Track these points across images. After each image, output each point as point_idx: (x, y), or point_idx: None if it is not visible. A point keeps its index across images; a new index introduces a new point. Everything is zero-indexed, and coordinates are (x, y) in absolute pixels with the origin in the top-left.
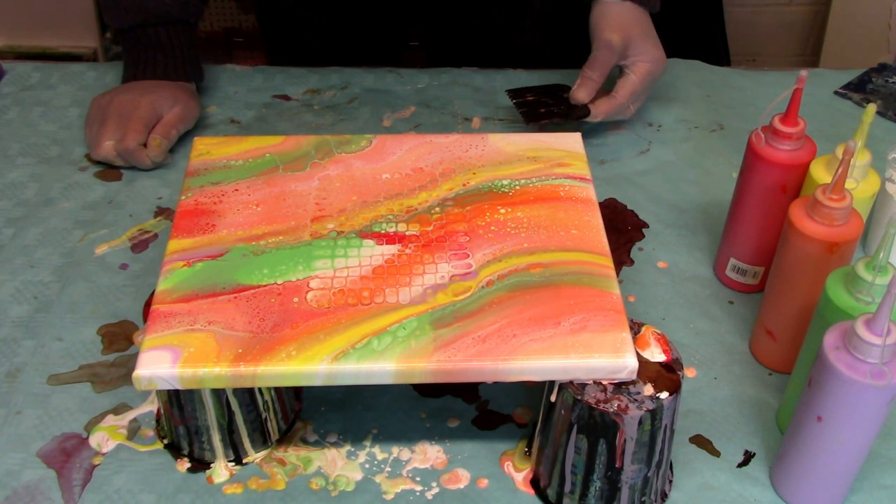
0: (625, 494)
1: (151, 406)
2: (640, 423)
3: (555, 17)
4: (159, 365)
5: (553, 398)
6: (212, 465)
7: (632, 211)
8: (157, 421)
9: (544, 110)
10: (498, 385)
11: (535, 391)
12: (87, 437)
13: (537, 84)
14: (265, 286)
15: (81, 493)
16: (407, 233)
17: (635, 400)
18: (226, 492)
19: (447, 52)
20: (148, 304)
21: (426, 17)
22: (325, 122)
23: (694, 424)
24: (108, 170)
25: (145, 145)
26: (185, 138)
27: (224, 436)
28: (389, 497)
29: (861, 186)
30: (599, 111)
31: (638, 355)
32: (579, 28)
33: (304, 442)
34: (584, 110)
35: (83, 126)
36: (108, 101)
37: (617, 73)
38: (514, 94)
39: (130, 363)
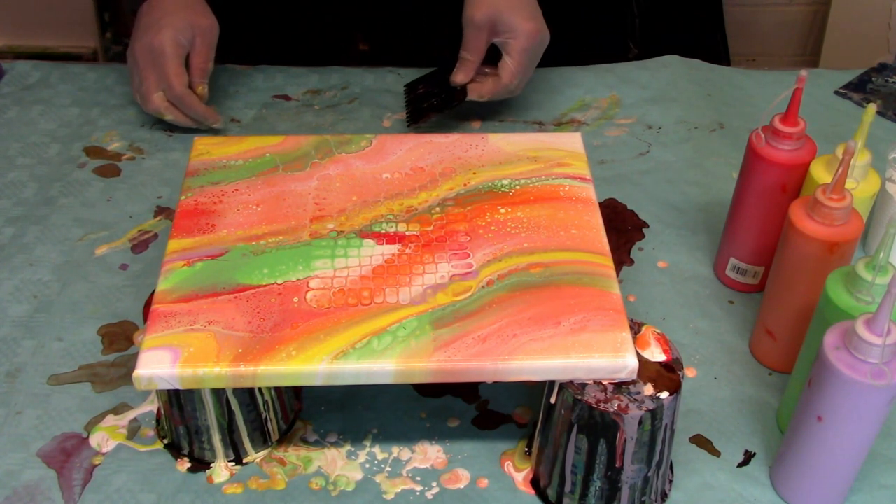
0: (625, 494)
1: (151, 406)
2: (640, 422)
3: None
4: (159, 365)
5: (553, 399)
6: (212, 464)
7: (632, 211)
8: (157, 421)
9: (426, 104)
10: (498, 385)
11: (535, 391)
12: (87, 437)
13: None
14: (265, 286)
15: (81, 493)
16: (407, 233)
17: (635, 400)
18: (226, 492)
19: (394, 55)
20: (148, 304)
21: (371, 20)
22: (325, 122)
23: (694, 424)
24: (107, 165)
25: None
26: (184, 136)
27: (224, 436)
28: (389, 497)
29: (861, 186)
30: (485, 91)
31: (638, 355)
32: (549, 31)
33: (304, 442)
34: (462, 94)
35: (83, 124)
36: (133, 53)
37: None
38: (408, 87)
39: (130, 363)
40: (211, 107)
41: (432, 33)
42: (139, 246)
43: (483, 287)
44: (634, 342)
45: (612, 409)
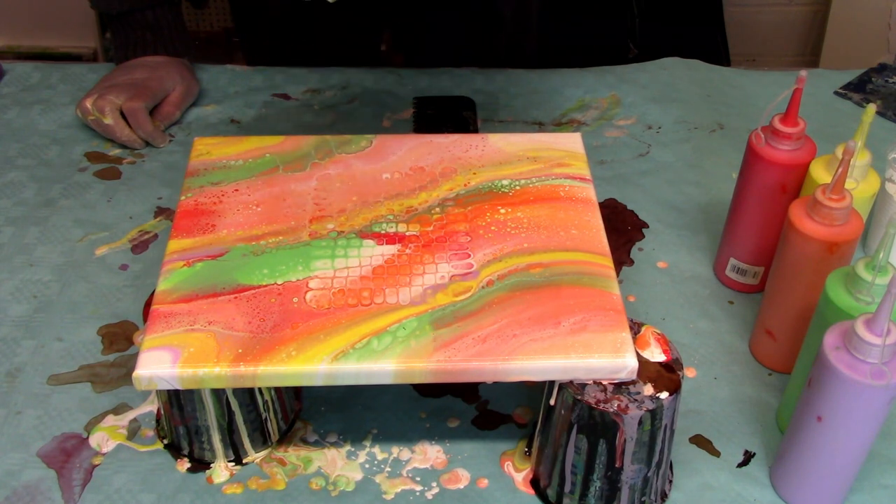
0: (625, 494)
1: (151, 406)
2: (640, 423)
3: (526, 22)
4: (159, 365)
5: (553, 399)
6: (212, 465)
7: (632, 211)
8: (157, 421)
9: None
10: (498, 385)
11: (535, 391)
12: (87, 437)
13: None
14: (265, 286)
15: (81, 493)
16: (407, 233)
17: (635, 400)
18: (226, 492)
19: (421, 56)
20: (148, 304)
21: (398, 21)
22: (325, 122)
23: (694, 424)
24: (108, 168)
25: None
26: (185, 140)
27: (224, 436)
28: (389, 497)
29: (861, 186)
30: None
31: (638, 355)
32: (549, 32)
33: (304, 442)
34: (473, 128)
35: (83, 126)
36: (118, 75)
37: None
38: (418, 102)
39: (130, 363)
40: (160, 131)
41: (460, 35)
42: (139, 246)
43: (483, 287)
44: (634, 342)
45: (611, 409)
